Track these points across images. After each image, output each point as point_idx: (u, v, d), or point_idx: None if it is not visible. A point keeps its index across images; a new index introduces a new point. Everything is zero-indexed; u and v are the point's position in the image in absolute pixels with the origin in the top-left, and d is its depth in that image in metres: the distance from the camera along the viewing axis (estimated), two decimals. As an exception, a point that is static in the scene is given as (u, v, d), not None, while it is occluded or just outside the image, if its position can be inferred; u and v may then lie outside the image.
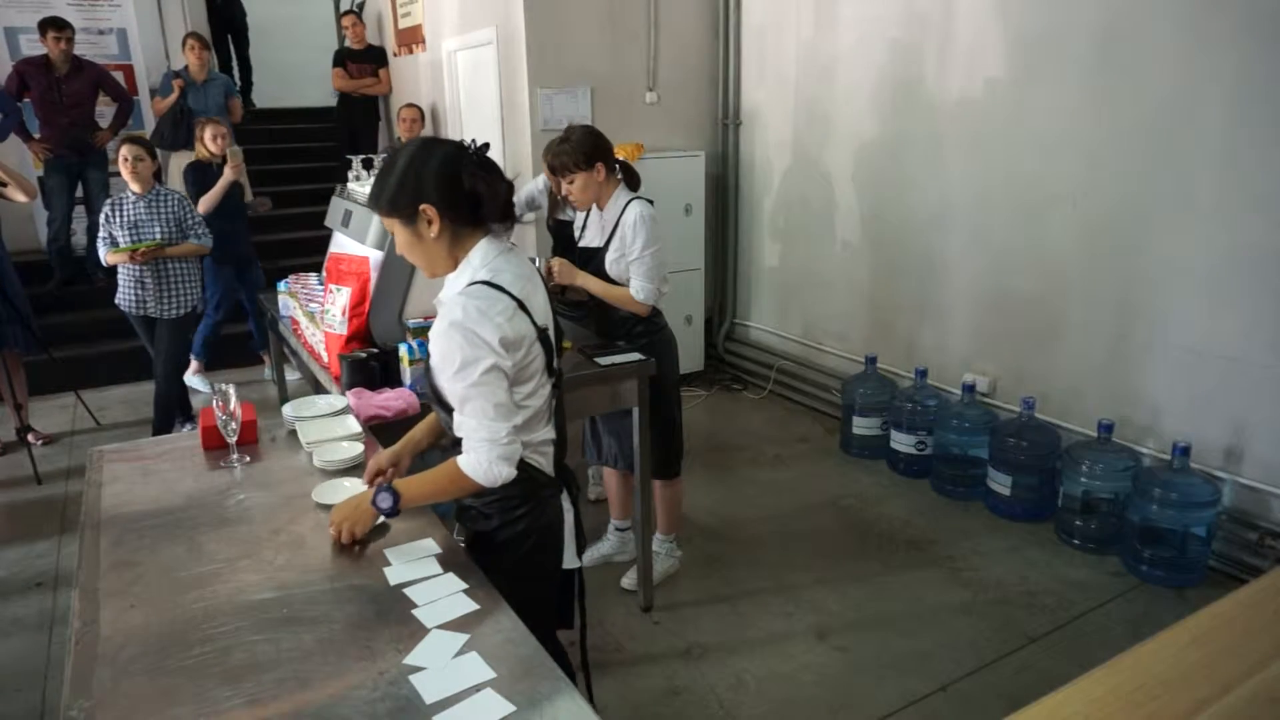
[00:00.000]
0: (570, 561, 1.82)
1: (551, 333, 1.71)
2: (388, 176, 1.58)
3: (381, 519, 1.67)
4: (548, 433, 1.74)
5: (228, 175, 4.72)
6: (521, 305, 1.59)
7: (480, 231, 1.62)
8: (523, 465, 1.65)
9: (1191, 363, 3.19)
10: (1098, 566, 3.22)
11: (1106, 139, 3.35)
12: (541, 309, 1.67)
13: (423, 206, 1.55)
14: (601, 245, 2.82)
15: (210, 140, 4.80)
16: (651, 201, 2.82)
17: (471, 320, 1.52)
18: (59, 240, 5.77)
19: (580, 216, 3.00)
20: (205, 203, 4.64)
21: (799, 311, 5.14)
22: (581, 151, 2.71)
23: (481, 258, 1.60)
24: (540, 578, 1.76)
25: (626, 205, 2.76)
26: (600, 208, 2.84)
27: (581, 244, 2.96)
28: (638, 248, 2.73)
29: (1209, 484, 3.03)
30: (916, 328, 4.34)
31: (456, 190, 1.55)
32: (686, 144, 5.27)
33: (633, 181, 2.86)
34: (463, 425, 1.59)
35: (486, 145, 1.64)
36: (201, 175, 4.80)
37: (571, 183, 2.74)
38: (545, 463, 1.74)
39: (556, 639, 1.85)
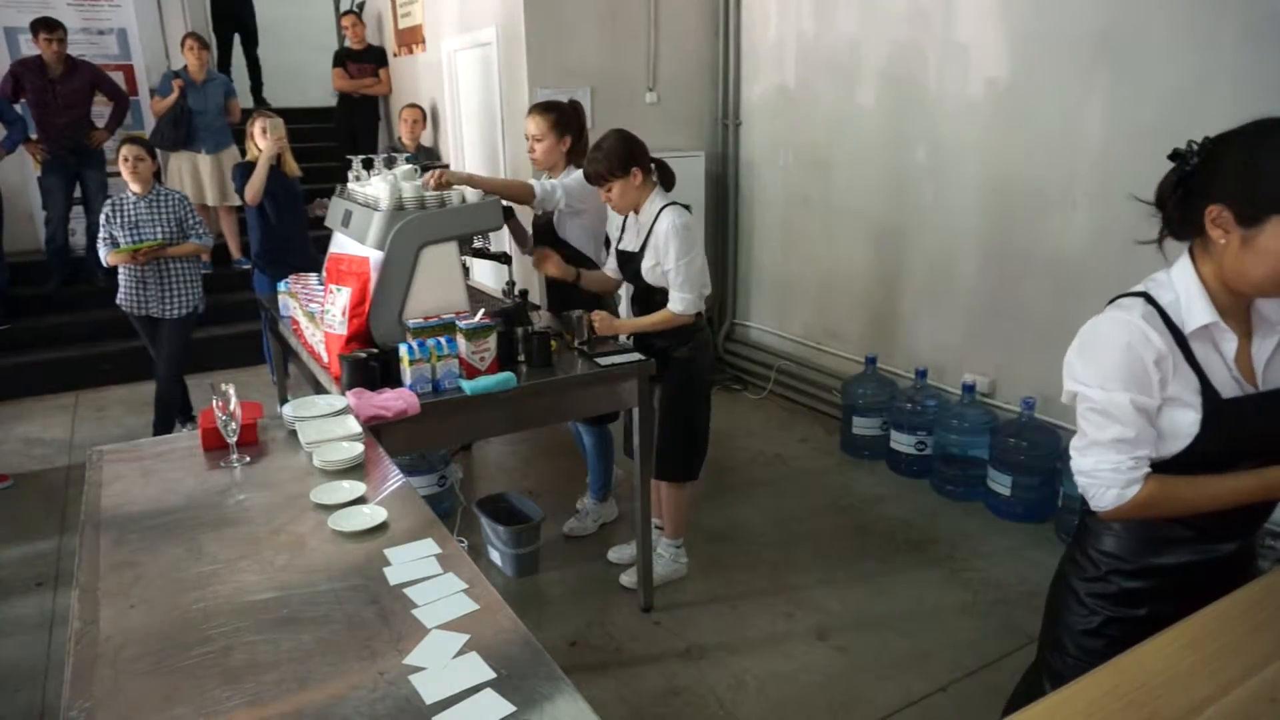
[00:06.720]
0: None
1: None
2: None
3: None
4: None
5: (267, 149, 4.22)
6: None
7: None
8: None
9: (1191, 363, 3.18)
10: (1098, 566, 3.21)
11: (1107, 139, 3.35)
12: None
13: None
14: (638, 250, 2.84)
15: (260, 135, 4.28)
16: (688, 207, 2.84)
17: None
18: (57, 240, 5.76)
19: (618, 219, 3.01)
20: (250, 189, 4.24)
21: (799, 311, 5.14)
22: (616, 158, 2.71)
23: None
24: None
25: (659, 214, 2.77)
26: (637, 212, 2.85)
27: (620, 246, 2.96)
28: (671, 259, 2.73)
29: (1209, 484, 3.02)
30: (916, 328, 4.34)
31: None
32: (686, 144, 5.26)
33: (667, 180, 2.87)
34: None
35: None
36: (250, 174, 4.33)
37: (609, 190, 2.74)
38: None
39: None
